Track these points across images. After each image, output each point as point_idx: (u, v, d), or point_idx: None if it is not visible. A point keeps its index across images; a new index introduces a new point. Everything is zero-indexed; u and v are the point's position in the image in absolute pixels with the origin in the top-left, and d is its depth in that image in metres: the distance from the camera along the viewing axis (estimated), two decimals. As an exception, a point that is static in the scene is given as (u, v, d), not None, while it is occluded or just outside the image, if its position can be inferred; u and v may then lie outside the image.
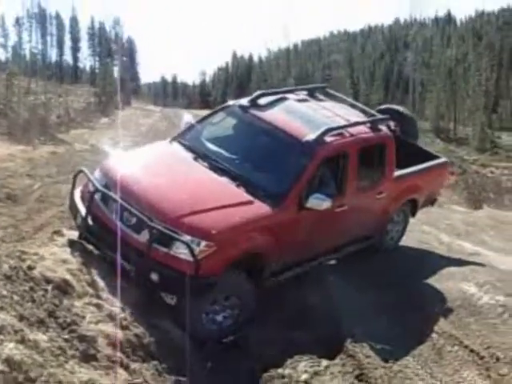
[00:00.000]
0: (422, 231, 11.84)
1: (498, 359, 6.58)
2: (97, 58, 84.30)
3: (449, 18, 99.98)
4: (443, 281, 8.28)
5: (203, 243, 6.31)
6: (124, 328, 5.61)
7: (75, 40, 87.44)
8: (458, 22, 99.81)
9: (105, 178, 7.12)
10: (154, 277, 6.30)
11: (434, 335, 7.06)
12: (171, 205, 6.69)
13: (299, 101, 8.66)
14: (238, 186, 7.18)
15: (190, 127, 8.26)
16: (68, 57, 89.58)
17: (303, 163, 7.36)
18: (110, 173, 7.15)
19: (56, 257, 6.11)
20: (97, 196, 6.92)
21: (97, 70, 78.98)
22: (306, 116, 8.14)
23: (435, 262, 9.20)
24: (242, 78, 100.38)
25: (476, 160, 49.67)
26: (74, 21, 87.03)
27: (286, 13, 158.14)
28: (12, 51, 70.78)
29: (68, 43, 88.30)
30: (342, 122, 8.21)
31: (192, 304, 6.12)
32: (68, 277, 5.76)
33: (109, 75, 76.18)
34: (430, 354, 6.75)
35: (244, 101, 8.30)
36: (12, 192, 11.58)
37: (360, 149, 8.04)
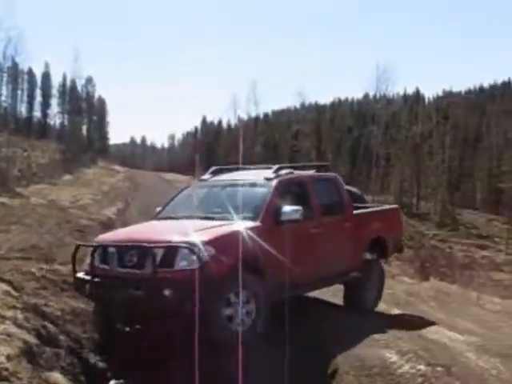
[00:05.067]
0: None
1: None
2: (66, 116, 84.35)
3: (417, 96, 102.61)
4: (363, 347, 7.85)
5: (202, 248, 7.14)
6: (2, 379, 5.14)
7: (46, 96, 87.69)
8: (426, 100, 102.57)
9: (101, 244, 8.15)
10: (167, 292, 6.92)
11: (341, 404, 6.66)
12: (164, 233, 7.93)
13: (245, 169, 10.80)
14: (216, 219, 8.34)
15: (165, 205, 9.80)
16: (38, 112, 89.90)
17: (268, 190, 8.79)
18: (105, 238, 8.43)
19: None
20: (96, 257, 7.83)
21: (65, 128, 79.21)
22: (258, 172, 9.96)
23: (360, 327, 8.82)
24: (210, 143, 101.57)
25: (436, 235, 50.21)
26: (45, 77, 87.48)
27: (258, 81, 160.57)
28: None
29: (39, 99, 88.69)
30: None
31: (209, 306, 7.01)
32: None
33: (76, 133, 76.33)
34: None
35: (205, 176, 10.39)
36: None
37: (313, 179, 9.93)
